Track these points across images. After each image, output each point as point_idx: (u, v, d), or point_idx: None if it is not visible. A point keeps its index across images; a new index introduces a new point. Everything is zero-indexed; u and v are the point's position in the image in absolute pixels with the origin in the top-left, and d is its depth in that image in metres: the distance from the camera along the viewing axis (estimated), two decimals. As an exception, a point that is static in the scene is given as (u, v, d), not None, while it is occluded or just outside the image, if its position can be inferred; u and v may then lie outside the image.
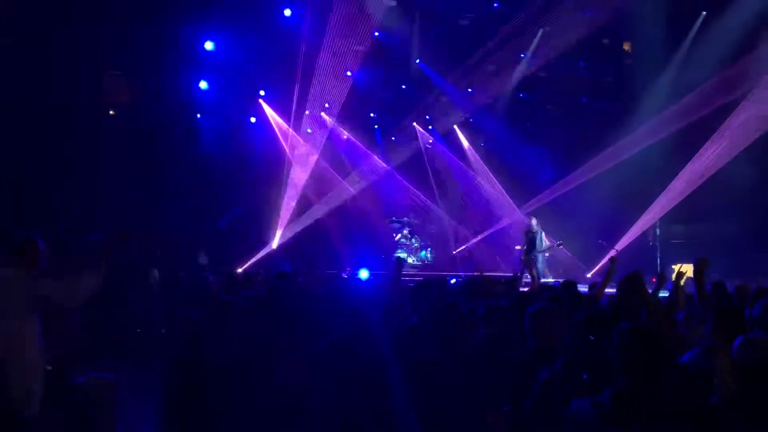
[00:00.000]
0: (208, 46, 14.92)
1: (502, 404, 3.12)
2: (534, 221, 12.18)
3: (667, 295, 5.75)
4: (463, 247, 18.28)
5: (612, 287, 5.44)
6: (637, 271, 4.55)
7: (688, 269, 4.96)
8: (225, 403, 3.81)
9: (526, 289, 8.17)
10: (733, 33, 13.65)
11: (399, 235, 16.67)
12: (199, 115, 16.36)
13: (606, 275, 5.88)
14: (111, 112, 14.69)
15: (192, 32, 14.41)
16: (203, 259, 14.56)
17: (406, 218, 17.34)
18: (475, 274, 12.33)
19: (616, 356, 2.56)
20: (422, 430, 3.11)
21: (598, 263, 15.48)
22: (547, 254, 12.66)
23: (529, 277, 12.37)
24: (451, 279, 8.76)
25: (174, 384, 4.11)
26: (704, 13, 14.61)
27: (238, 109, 16.92)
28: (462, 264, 16.14)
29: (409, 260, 16.10)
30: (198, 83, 15.61)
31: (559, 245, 12.48)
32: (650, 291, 4.13)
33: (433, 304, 3.77)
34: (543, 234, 12.04)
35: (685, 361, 3.07)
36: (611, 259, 6.34)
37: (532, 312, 3.46)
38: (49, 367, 3.78)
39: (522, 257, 12.34)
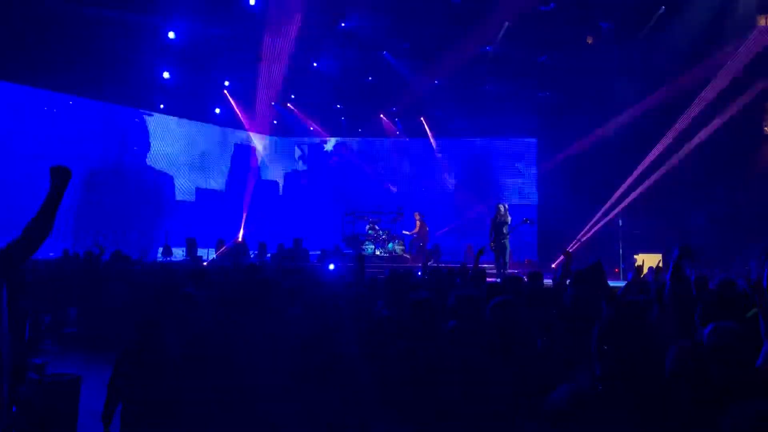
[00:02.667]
0: (171, 35, 14.63)
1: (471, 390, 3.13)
2: (502, 208, 12.08)
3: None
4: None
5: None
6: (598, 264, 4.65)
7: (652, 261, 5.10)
8: (179, 394, 3.70)
9: (492, 280, 8.22)
10: (691, 29, 13.93)
11: (367, 227, 16.66)
12: (162, 106, 16.09)
13: (563, 271, 5.94)
14: (70, 103, 14.34)
15: (156, 21, 14.09)
16: (167, 251, 14.44)
17: (373, 210, 17.34)
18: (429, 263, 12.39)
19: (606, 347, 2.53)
20: (393, 421, 3.13)
21: (561, 255, 15.73)
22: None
23: (495, 266, 12.43)
24: (418, 271, 8.78)
25: (125, 369, 3.98)
26: (663, 7, 14.84)
27: (202, 100, 16.68)
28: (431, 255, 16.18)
29: (377, 252, 16.09)
30: (161, 73, 15.33)
31: (525, 221, 12.41)
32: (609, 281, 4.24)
33: (406, 299, 3.79)
34: (510, 219, 11.99)
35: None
36: (565, 254, 6.23)
37: (492, 305, 3.53)
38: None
39: (491, 245, 12.18)
